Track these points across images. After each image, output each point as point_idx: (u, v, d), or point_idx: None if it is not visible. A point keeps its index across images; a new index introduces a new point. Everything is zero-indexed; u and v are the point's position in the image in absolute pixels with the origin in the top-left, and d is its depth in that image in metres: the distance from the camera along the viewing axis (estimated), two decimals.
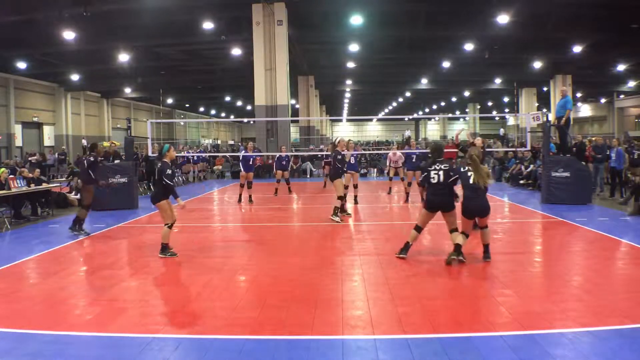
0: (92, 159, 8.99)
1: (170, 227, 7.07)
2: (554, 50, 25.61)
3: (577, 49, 24.07)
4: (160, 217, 7.21)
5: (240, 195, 13.35)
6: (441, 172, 6.45)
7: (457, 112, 57.36)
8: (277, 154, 15.23)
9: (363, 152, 24.74)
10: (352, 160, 12.61)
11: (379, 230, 9.28)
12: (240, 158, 13.78)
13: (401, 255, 6.68)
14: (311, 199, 14.42)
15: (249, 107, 45.58)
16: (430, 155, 6.83)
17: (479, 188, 6.29)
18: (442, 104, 54.90)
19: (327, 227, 9.50)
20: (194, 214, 11.87)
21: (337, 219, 9.81)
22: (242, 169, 13.36)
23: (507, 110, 49.62)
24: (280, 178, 14.99)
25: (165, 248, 7.09)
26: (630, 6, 18.51)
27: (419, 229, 6.70)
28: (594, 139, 16.39)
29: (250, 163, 13.28)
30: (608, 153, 13.67)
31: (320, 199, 13.91)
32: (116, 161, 14.42)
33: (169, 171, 6.97)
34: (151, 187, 16.19)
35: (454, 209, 6.54)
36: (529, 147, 14.99)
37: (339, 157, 9.88)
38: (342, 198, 10.04)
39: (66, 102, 34.06)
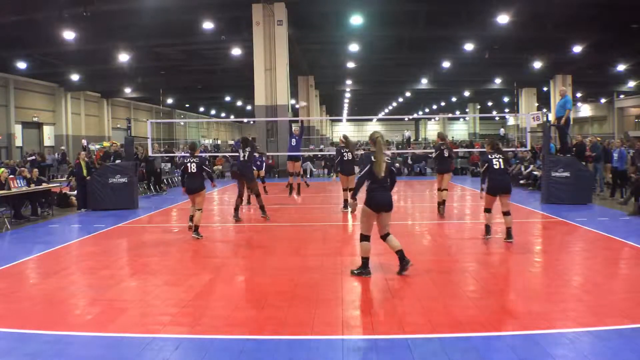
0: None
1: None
2: (554, 50, 25.56)
3: (577, 49, 24.02)
4: (197, 203, 8.50)
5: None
6: (501, 160, 7.67)
7: (457, 112, 57.34)
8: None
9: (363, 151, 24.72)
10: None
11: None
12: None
13: (488, 237, 7.86)
14: (311, 199, 14.40)
15: (249, 107, 45.50)
16: (488, 148, 8.14)
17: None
18: (442, 104, 54.88)
19: (326, 227, 9.49)
20: None
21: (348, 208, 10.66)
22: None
23: (507, 110, 49.59)
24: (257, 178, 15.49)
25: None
26: (630, 6, 18.48)
27: (488, 210, 7.90)
28: (588, 139, 16.40)
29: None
30: (610, 152, 13.64)
31: (319, 199, 13.90)
32: (117, 161, 14.42)
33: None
34: (151, 187, 16.17)
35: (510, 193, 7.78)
36: (529, 147, 14.99)
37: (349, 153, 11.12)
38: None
39: (66, 102, 34.03)
